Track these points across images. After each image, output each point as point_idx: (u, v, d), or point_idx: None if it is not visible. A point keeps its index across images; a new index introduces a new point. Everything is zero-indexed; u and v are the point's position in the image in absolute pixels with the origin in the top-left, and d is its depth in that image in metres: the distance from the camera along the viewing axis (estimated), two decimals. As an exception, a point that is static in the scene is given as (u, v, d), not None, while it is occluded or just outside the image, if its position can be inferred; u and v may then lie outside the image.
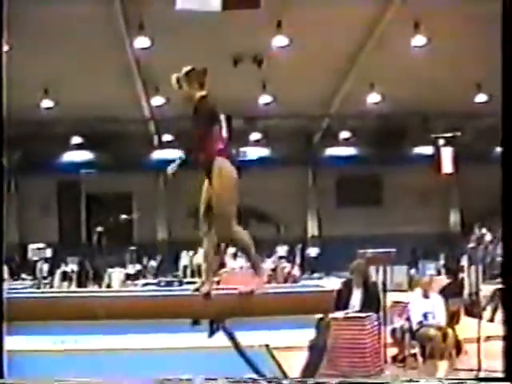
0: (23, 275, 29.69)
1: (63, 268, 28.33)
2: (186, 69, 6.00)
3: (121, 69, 22.51)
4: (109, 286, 27.48)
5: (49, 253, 28.45)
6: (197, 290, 5.92)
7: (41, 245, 28.33)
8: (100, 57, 21.01)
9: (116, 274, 28.04)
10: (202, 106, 5.91)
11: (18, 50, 19.76)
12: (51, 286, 27.72)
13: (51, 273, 28.41)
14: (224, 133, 5.93)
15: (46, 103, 25.63)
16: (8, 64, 19.07)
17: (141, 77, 23.54)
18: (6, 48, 19.72)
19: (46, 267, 28.28)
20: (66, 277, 28.19)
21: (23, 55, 20.13)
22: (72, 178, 31.27)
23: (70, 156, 30.56)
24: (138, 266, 29.14)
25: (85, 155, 30.42)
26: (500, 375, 5.30)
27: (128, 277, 28.15)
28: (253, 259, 6.14)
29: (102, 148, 29.58)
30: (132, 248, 29.32)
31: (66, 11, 18.21)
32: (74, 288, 27.36)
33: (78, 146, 30.40)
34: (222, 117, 6.01)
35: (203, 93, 5.96)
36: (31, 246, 28.32)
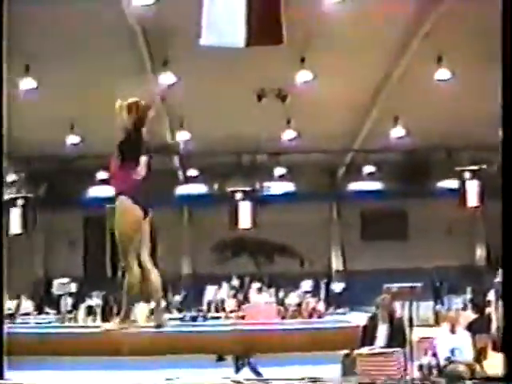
0: (47, 309, 29.79)
1: (88, 302, 28.37)
2: (130, 100, 5.95)
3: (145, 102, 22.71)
4: (133, 321, 27.42)
5: (73, 287, 28.56)
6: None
7: (65, 279, 28.44)
8: (125, 93, 21.19)
9: (140, 309, 28.00)
10: (130, 141, 5.85)
11: (45, 86, 20.18)
12: (75, 321, 27.77)
13: (75, 307, 28.47)
14: (138, 174, 5.83)
15: (72, 139, 25.87)
16: (35, 100, 19.43)
17: (165, 111, 23.71)
18: (34, 84, 19.98)
19: (70, 301, 28.36)
20: (90, 311, 28.23)
21: (50, 91, 20.44)
22: (98, 213, 31.40)
23: (96, 191, 30.74)
24: (163, 301, 29.07)
25: (109, 190, 30.56)
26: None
27: (152, 312, 28.07)
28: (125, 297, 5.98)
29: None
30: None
31: (90, 41, 18.46)
32: (98, 322, 27.36)
33: (104, 181, 30.56)
34: (143, 158, 5.93)
35: (137, 129, 5.90)
36: (56, 281, 28.44)
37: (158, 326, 5.82)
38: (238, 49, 8.78)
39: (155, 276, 5.93)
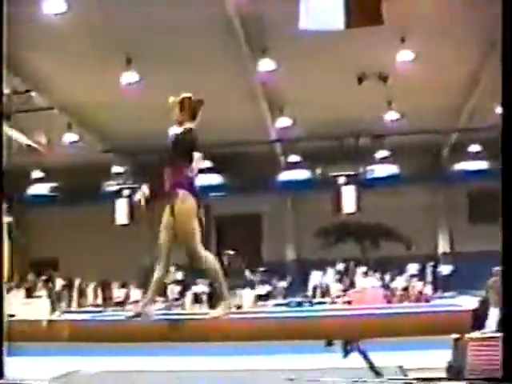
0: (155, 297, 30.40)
1: (194, 289, 28.82)
2: (182, 95, 5.92)
3: (246, 90, 22.80)
4: (239, 307, 27.73)
5: (180, 275, 29.09)
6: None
7: (172, 267, 28.98)
8: (224, 80, 21.35)
9: (246, 295, 28.27)
10: (185, 137, 5.83)
11: (148, 78, 20.57)
12: (183, 308, 28.28)
13: (182, 294, 28.98)
14: (192, 171, 5.82)
15: (175, 129, 26.26)
16: (139, 93, 19.78)
17: (266, 98, 23.76)
18: (137, 77, 20.39)
19: (177, 289, 28.89)
20: (197, 298, 28.68)
21: (154, 84, 20.80)
22: (202, 202, 31.86)
23: (200, 180, 31.13)
24: (268, 287, 29.26)
25: (213, 178, 30.93)
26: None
27: (258, 298, 28.33)
28: (218, 284, 5.96)
29: (229, 171, 29.99)
30: (262, 269, 29.50)
31: (191, 36, 18.65)
32: (205, 309, 27.77)
33: (207, 170, 30.95)
34: (197, 154, 5.91)
35: (191, 125, 5.87)
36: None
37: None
38: (337, 31, 8.70)
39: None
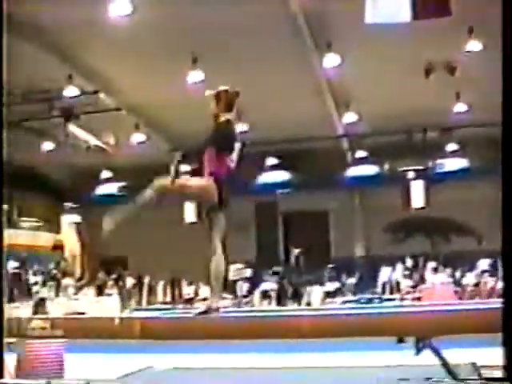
0: (224, 294, 30.60)
1: (263, 287, 28.87)
2: (218, 88, 5.89)
3: (311, 86, 22.70)
4: (308, 304, 27.66)
5: (248, 272, 29.18)
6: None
7: (240, 265, 29.11)
8: (289, 76, 21.30)
9: (315, 292, 28.19)
10: (222, 129, 5.78)
11: (213, 77, 20.64)
12: (252, 305, 28.35)
13: (251, 292, 29.06)
14: (233, 161, 5.78)
15: (241, 127, 26.33)
16: (206, 90, 19.70)
17: (331, 93, 23.62)
18: (202, 76, 20.48)
19: (245, 286, 28.99)
20: (265, 295, 28.72)
21: (219, 83, 20.89)
22: (269, 199, 31.92)
23: (266, 177, 31.16)
24: (337, 284, 29.12)
25: (280, 175, 30.90)
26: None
27: (327, 294, 28.21)
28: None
29: (296, 167, 29.93)
30: (330, 265, 29.37)
31: (255, 34, 18.67)
32: (273, 306, 27.80)
33: (274, 167, 30.96)
34: (237, 145, 5.86)
35: (228, 116, 5.82)
36: (232, 266, 29.17)
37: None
38: (403, 24, 8.58)
39: (219, 263, 5.91)
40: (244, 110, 25.03)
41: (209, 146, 5.80)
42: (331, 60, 20.35)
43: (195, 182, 5.88)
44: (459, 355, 7.70)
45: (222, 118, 5.86)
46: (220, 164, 5.72)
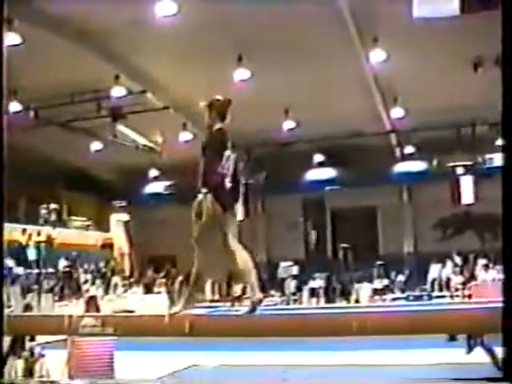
0: (272, 292, 30.61)
1: (311, 284, 28.80)
2: (210, 99, 5.92)
3: (358, 82, 22.55)
4: (357, 301, 27.52)
5: (296, 270, 29.14)
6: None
7: (288, 263, 29.09)
8: (336, 72, 21.19)
9: (364, 289, 28.03)
10: (214, 138, 5.76)
11: (259, 74, 20.66)
12: (300, 303, 28.31)
13: (299, 289, 29.01)
14: (225, 168, 5.71)
15: (288, 124, 26.29)
16: (251, 89, 19.88)
17: (378, 89, 23.41)
18: (248, 74, 20.48)
19: (293, 284, 28.96)
20: (313, 293, 28.65)
21: (264, 80, 20.88)
22: (317, 195, 31.80)
23: (314, 174, 31.06)
24: (386, 281, 28.91)
25: (328, 172, 30.78)
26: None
27: (375, 292, 28.03)
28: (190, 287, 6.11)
29: (344, 163, 29.78)
30: (379, 262, 29.16)
31: (301, 30, 18.60)
32: (322, 304, 27.72)
33: (321, 164, 30.86)
34: (230, 154, 5.82)
35: (220, 125, 5.75)
36: (282, 264, 29.16)
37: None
38: (451, 18, 8.46)
39: (245, 259, 5.92)
40: (291, 108, 25.06)
41: (202, 156, 5.87)
42: (378, 55, 20.18)
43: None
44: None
45: (215, 128, 5.90)
46: (212, 173, 5.75)
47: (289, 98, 23.36)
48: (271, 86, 21.54)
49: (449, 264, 27.78)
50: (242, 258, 5.95)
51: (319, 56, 20.20)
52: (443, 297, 25.37)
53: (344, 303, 27.32)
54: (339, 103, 23.57)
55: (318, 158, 30.69)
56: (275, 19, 17.96)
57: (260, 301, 5.75)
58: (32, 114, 23.60)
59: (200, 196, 5.89)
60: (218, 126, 5.92)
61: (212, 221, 5.91)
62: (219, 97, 6.08)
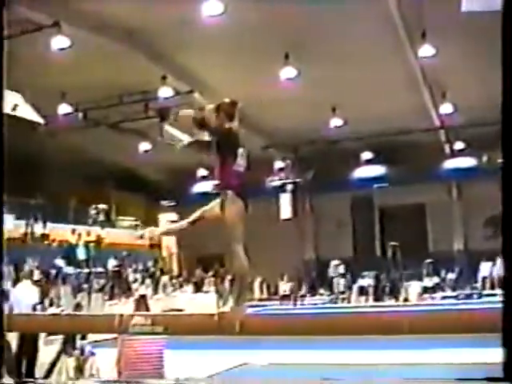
0: (321, 290, 30.54)
1: (360, 282, 28.66)
2: (217, 103, 6.08)
3: (405, 78, 22.32)
4: (406, 299, 27.30)
5: (344, 268, 29.04)
6: None
7: (337, 261, 28.99)
8: (383, 68, 21.02)
9: (413, 288, 27.78)
10: (224, 139, 5.88)
11: (306, 72, 20.60)
12: (348, 301, 28.19)
13: (348, 287, 28.90)
14: (240, 166, 5.87)
15: (336, 122, 26.17)
16: (298, 88, 19.80)
17: (427, 84, 23.15)
18: (295, 72, 20.40)
19: (342, 282, 28.85)
20: (362, 291, 28.50)
21: (310, 78, 20.82)
22: (365, 193, 31.63)
23: (362, 171, 30.93)
24: (436, 279, 28.63)
25: (376, 169, 30.61)
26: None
27: (425, 290, 27.77)
28: (238, 288, 5.98)
29: (392, 161, 29.59)
30: (428, 260, 28.88)
31: (347, 27, 18.49)
32: (371, 302, 27.56)
33: (369, 161, 30.71)
34: (240, 150, 5.92)
35: (230, 125, 5.92)
36: (332, 263, 29.05)
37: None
38: (499, 12, 8.28)
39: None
40: (338, 105, 24.95)
41: (215, 160, 5.94)
42: (426, 51, 19.93)
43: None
44: None
45: (224, 127, 5.95)
46: (230, 172, 5.82)
47: (336, 96, 23.25)
48: (318, 83, 21.47)
49: (499, 262, 27.37)
50: (240, 261, 6.05)
51: (366, 52, 20.05)
52: (494, 295, 24.97)
53: (393, 302, 27.13)
54: (387, 100, 23.39)
55: (366, 155, 30.55)
56: (321, 17, 17.87)
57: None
58: (81, 115, 23.91)
59: (222, 196, 5.94)
60: (228, 125, 5.99)
61: (242, 220, 5.89)
62: (227, 100, 6.17)
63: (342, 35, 18.99)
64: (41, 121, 21.89)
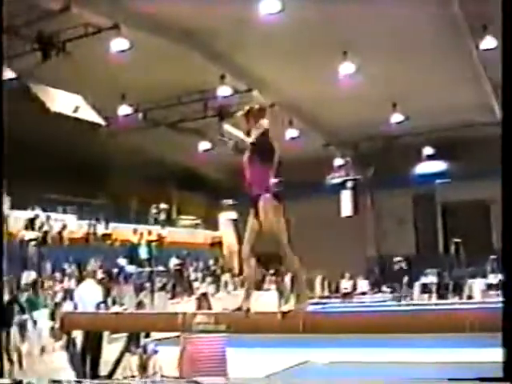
0: (383, 288, 30.25)
1: (422, 280, 28.32)
2: (245, 108, 6.14)
3: (467, 71, 21.94)
4: (470, 297, 26.87)
5: (406, 265, 28.70)
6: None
7: (399, 258, 28.68)
8: (443, 62, 20.69)
9: (477, 285, 27.33)
10: (261, 143, 5.94)
11: (365, 67, 20.42)
12: (411, 299, 27.87)
13: (410, 285, 28.58)
14: (274, 170, 6.01)
15: (396, 117, 25.89)
16: (357, 84, 19.57)
17: (489, 77, 22.71)
18: (353, 69, 20.19)
19: (405, 280, 28.54)
20: (425, 289, 28.15)
21: (370, 73, 20.64)
22: (426, 189, 31.23)
23: (423, 167, 30.57)
24: (500, 276, 28.08)
25: (438, 165, 30.21)
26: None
27: (489, 287, 27.27)
28: (297, 284, 6.22)
29: (454, 156, 29.17)
30: (492, 257, 28.35)
31: (404, 19, 18.23)
32: (434, 300, 27.21)
33: (431, 157, 30.32)
34: (277, 154, 6.03)
35: (261, 130, 5.97)
36: (394, 260, 28.77)
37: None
38: None
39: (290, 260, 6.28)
40: (399, 100, 24.66)
41: (251, 163, 5.91)
42: (488, 43, 19.53)
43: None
44: None
45: (256, 133, 5.96)
46: (269, 177, 5.88)
47: (396, 91, 22.98)
48: (377, 79, 21.27)
49: None
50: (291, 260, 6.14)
51: (426, 46, 19.78)
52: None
53: (456, 299, 26.74)
54: (448, 94, 23.04)
55: (428, 150, 30.16)
56: (378, 11, 17.68)
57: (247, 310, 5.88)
58: (141, 116, 24.16)
59: (262, 200, 5.93)
60: (259, 131, 6.02)
61: (277, 222, 6.07)
62: (256, 105, 6.18)
63: (401, 29, 18.75)
64: (102, 122, 22.19)
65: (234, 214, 32.95)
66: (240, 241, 33.47)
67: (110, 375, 7.08)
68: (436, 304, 24.93)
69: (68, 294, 16.74)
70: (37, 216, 21.56)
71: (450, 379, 5.74)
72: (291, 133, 26.33)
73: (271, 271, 29.73)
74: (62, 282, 19.34)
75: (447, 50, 20.17)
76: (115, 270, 22.14)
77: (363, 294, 29.56)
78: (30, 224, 21.00)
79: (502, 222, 4.87)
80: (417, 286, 28.36)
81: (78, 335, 10.63)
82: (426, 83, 22.06)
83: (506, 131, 4.84)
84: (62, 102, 20.61)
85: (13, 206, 20.73)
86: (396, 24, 18.43)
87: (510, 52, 4.89)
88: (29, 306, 14.66)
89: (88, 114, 21.45)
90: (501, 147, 4.94)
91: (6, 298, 13.04)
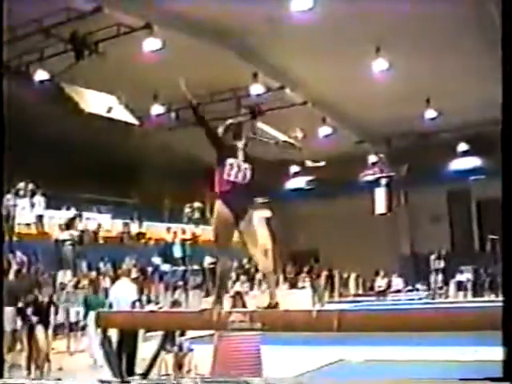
0: (418, 285, 30.04)
1: (458, 277, 28.07)
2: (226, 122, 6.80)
3: (500, 66, 21.69)
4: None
5: (442, 263, 28.47)
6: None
7: (434, 256, 28.46)
8: (476, 57, 20.47)
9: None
10: (223, 150, 6.56)
11: (398, 64, 20.29)
12: (446, 297, 27.65)
13: (445, 283, 28.35)
14: (230, 175, 6.38)
15: (430, 113, 25.69)
16: (390, 81, 19.38)
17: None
18: (386, 65, 20.02)
19: (440, 277, 28.32)
20: (461, 286, 27.91)
21: (404, 68, 20.50)
22: (461, 186, 30.95)
23: (458, 164, 30.30)
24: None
25: (473, 161, 29.92)
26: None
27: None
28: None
29: (489, 152, 28.83)
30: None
31: (439, 15, 18.08)
32: (469, 298, 26.96)
33: (465, 153, 30.03)
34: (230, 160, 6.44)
35: (234, 143, 6.63)
36: (430, 258, 28.55)
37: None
38: None
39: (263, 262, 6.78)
40: (432, 96, 24.44)
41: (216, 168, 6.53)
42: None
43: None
44: None
45: (229, 145, 6.62)
46: (221, 181, 6.42)
47: (430, 87, 22.79)
48: (411, 75, 21.11)
49: None
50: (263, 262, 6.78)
51: (459, 42, 19.60)
52: None
53: (492, 297, 26.45)
54: (482, 89, 22.75)
55: (462, 147, 29.89)
56: (412, 8, 17.55)
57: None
58: (173, 115, 24.24)
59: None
60: (233, 143, 6.62)
61: (224, 227, 6.50)
62: (232, 121, 6.89)
63: (434, 25, 18.61)
64: (135, 122, 22.32)
65: (267, 212, 32.93)
66: (274, 238, 33.52)
67: (146, 373, 7.12)
68: (471, 301, 24.69)
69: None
70: (76, 216, 21.69)
71: (488, 378, 5.65)
72: (324, 130, 26.27)
73: (305, 269, 29.71)
74: (97, 280, 19.47)
75: (481, 44, 19.97)
76: (149, 269, 22.25)
77: (398, 291, 29.38)
78: (66, 224, 21.18)
79: (502, 223, 4.83)
80: (452, 283, 28.12)
81: (113, 333, 10.70)
82: (460, 78, 21.84)
83: (506, 131, 4.78)
84: (95, 102, 20.79)
85: (48, 206, 20.94)
86: (429, 20, 18.29)
87: (510, 52, 4.83)
88: (87, 305, 14.27)
89: (121, 113, 21.60)
90: (501, 147, 4.89)
91: (46, 299, 13.05)
